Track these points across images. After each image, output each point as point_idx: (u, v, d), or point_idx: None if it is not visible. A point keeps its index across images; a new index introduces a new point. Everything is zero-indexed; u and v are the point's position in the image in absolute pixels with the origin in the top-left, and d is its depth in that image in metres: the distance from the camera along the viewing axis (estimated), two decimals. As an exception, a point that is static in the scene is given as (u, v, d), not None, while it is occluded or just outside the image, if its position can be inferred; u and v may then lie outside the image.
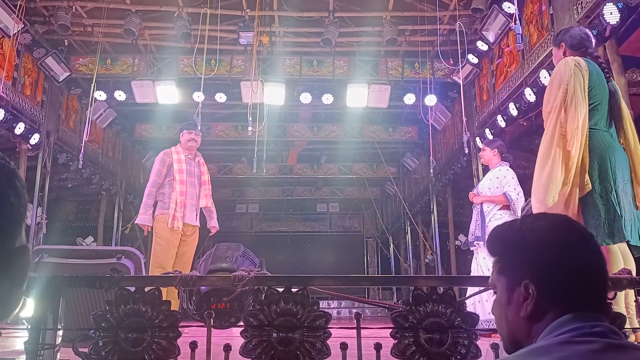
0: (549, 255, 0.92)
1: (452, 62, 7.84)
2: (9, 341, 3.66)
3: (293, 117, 10.97)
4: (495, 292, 1.02)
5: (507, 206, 4.68)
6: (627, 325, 2.23)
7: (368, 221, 15.68)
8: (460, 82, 7.57)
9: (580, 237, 0.95)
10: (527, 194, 6.18)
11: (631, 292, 2.67)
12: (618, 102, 2.91)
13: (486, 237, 4.69)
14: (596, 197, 2.63)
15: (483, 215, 4.76)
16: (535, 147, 9.46)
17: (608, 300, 1.64)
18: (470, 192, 4.99)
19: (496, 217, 4.68)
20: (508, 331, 0.98)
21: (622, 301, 2.62)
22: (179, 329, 1.72)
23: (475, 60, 7.68)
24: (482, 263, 4.68)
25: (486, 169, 5.37)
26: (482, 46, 7.34)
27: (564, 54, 2.95)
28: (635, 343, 0.86)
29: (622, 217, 2.60)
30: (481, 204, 4.82)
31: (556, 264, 0.91)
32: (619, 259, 2.65)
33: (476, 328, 1.68)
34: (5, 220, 0.68)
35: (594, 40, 3.06)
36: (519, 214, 4.71)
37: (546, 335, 0.87)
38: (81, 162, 8.27)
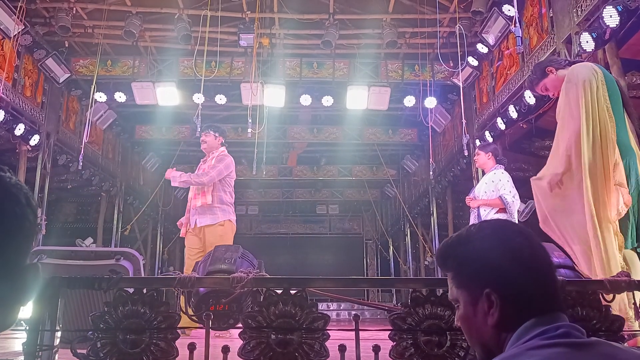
0: (502, 260, 0.95)
1: (452, 64, 7.85)
2: (7, 342, 3.66)
3: (293, 119, 10.98)
4: (457, 306, 1.02)
5: (503, 209, 4.67)
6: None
7: (368, 223, 15.68)
8: (460, 84, 7.58)
9: (524, 237, 0.98)
10: (524, 196, 6.18)
11: (630, 295, 2.67)
12: (626, 94, 2.95)
13: None
14: None
15: (480, 220, 4.75)
16: (535, 150, 9.43)
17: (605, 303, 1.65)
18: (467, 197, 4.98)
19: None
20: (478, 342, 0.99)
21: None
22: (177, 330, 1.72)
23: (475, 62, 7.69)
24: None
25: (485, 172, 5.36)
26: (482, 49, 7.35)
27: (556, 72, 3.01)
28: (600, 339, 0.87)
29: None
30: (478, 208, 4.81)
31: (510, 268, 0.94)
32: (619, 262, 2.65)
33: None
34: (23, 237, 0.70)
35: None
36: (516, 217, 4.71)
37: (514, 343, 0.89)
38: (81, 164, 8.27)
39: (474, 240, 0.99)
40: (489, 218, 4.70)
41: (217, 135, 4.99)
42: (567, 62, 3.07)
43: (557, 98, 2.96)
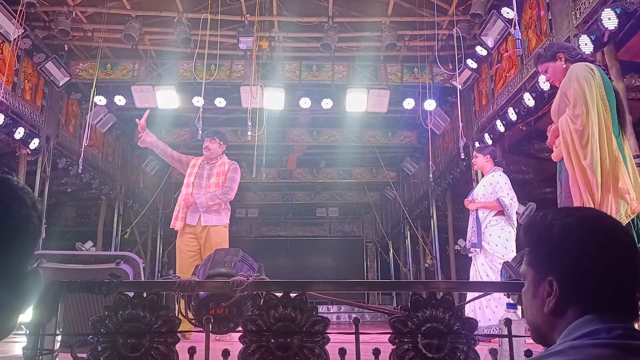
0: (575, 254, 0.92)
1: (451, 67, 7.86)
2: (8, 346, 3.65)
3: (292, 122, 10.98)
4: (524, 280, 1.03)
5: (501, 212, 4.67)
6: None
7: (367, 226, 15.67)
8: (459, 87, 7.59)
9: (609, 236, 0.93)
10: (524, 198, 6.16)
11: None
12: (622, 104, 2.92)
13: (482, 243, 4.69)
14: None
15: (479, 222, 4.75)
16: (535, 152, 9.39)
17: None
18: (466, 200, 4.98)
19: (492, 224, 4.68)
20: (533, 322, 1.00)
21: None
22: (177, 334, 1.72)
23: (474, 65, 7.70)
24: (481, 269, 4.67)
25: (485, 174, 5.36)
26: (481, 51, 7.36)
27: (565, 63, 2.94)
28: None
29: (637, 224, 2.61)
30: (476, 210, 4.81)
31: (581, 264, 0.91)
32: None
33: (475, 334, 1.68)
34: (27, 240, 0.70)
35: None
36: (514, 219, 4.71)
37: (565, 337, 0.88)
38: (81, 167, 8.27)
39: (555, 225, 0.96)
40: (487, 221, 4.70)
41: (221, 143, 5.08)
42: (580, 56, 2.97)
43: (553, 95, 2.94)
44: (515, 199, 4.73)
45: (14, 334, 2.95)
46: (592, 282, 0.90)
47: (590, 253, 0.91)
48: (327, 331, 1.69)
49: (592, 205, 2.57)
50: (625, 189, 2.58)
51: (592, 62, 2.96)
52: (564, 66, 2.93)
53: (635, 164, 2.86)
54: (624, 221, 2.57)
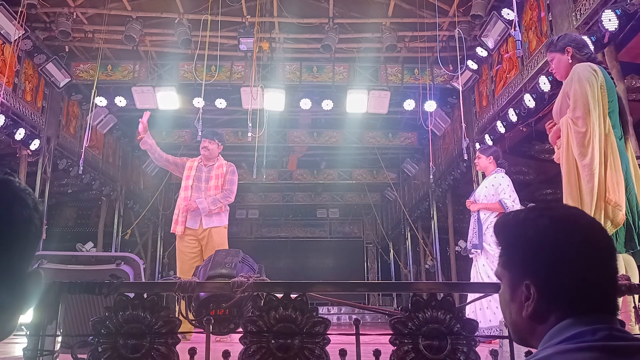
0: (551, 257, 0.88)
1: (451, 68, 7.87)
2: (8, 347, 3.65)
3: (293, 123, 10.99)
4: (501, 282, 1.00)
5: (503, 213, 4.67)
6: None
7: (368, 227, 15.67)
8: (460, 88, 7.59)
9: (585, 236, 0.90)
10: (525, 199, 6.14)
11: (630, 299, 2.66)
12: (624, 106, 2.92)
13: (483, 244, 4.68)
14: None
15: (480, 223, 4.75)
16: (535, 153, 9.36)
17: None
18: (467, 200, 4.97)
19: (493, 225, 4.67)
20: (512, 326, 0.97)
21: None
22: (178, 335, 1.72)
23: (474, 66, 7.70)
24: (482, 270, 4.67)
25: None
26: (481, 52, 7.36)
27: (572, 59, 2.93)
28: None
29: (637, 226, 2.60)
30: (478, 211, 4.80)
31: (557, 267, 0.87)
32: (622, 266, 2.64)
33: (475, 335, 1.67)
34: (28, 242, 0.70)
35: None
36: None
37: (547, 342, 0.85)
38: (81, 168, 8.27)
39: (528, 226, 0.93)
40: (489, 222, 4.70)
41: (220, 144, 5.11)
42: (586, 56, 2.94)
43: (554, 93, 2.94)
44: (517, 200, 4.73)
45: (15, 335, 2.95)
46: (571, 284, 0.87)
47: (566, 254, 0.88)
48: (328, 332, 1.69)
49: (581, 206, 2.56)
50: (611, 198, 2.56)
51: (598, 63, 2.94)
52: (570, 61, 2.90)
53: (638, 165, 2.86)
54: (612, 230, 2.56)
